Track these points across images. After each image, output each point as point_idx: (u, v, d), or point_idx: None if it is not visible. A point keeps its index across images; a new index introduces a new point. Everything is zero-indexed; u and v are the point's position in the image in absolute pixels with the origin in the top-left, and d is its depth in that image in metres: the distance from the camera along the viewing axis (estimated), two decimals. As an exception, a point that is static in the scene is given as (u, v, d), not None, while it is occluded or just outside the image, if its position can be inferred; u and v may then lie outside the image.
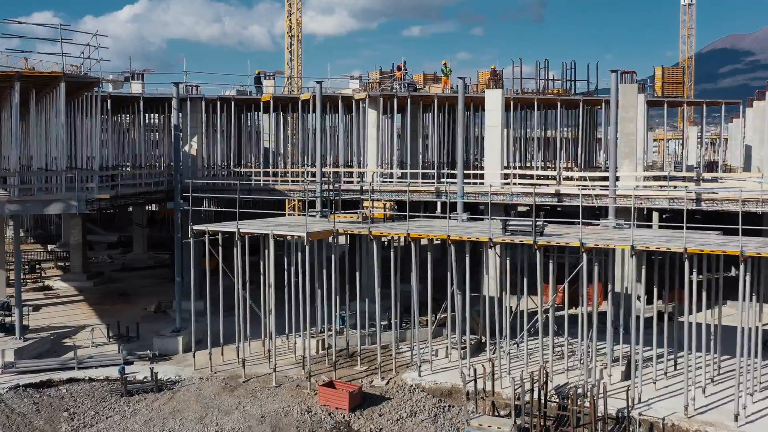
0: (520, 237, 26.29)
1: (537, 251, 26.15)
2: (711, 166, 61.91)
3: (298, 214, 41.71)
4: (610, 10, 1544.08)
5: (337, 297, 30.73)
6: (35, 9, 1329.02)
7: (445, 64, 43.15)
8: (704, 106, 50.89)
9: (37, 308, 41.63)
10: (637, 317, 25.85)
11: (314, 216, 32.67)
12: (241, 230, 29.02)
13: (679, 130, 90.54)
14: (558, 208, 37.64)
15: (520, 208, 38.60)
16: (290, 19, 77.50)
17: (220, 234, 29.68)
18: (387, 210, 31.20)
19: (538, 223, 26.09)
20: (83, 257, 49.78)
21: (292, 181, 41.28)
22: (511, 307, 28.77)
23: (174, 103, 33.50)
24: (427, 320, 30.79)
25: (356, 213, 31.47)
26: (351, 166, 44.79)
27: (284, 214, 42.19)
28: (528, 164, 49.29)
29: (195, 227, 29.85)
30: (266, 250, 29.71)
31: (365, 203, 31.46)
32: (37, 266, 52.23)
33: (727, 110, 53.25)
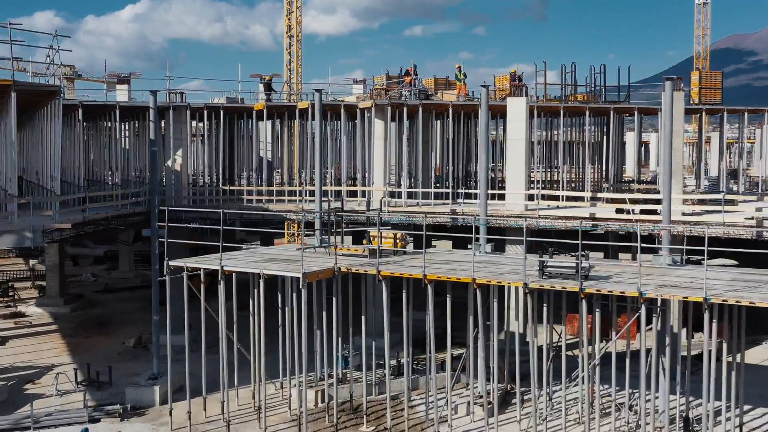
0: (562, 282, 21.71)
1: (582, 299, 21.55)
2: (734, 174, 57.25)
3: (297, 234, 37.09)
4: (612, 10, 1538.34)
5: (339, 336, 26.18)
6: (36, 9, 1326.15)
7: (459, 68, 38.58)
8: (724, 113, 45.03)
9: (3, 341, 37.24)
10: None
11: (313, 247, 28.09)
12: (225, 267, 24.47)
13: (693, 132, 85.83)
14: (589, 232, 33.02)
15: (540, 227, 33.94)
16: (289, 19, 72.59)
17: (201, 270, 25.15)
18: (398, 240, 26.63)
19: (583, 264, 21.49)
20: (60, 279, 45.30)
21: (289, 199, 36.73)
22: (541, 347, 24.16)
23: (151, 114, 28.92)
24: (443, 361, 26.15)
25: (361, 246, 26.89)
26: (354, 181, 40.22)
27: (283, 233, 37.69)
28: (552, 176, 44.62)
29: (172, 263, 25.30)
30: (256, 290, 25.18)
31: (372, 233, 26.85)
32: (10, 289, 47.69)
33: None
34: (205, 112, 36.29)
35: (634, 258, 28.89)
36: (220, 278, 24.45)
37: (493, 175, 43.32)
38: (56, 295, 45.02)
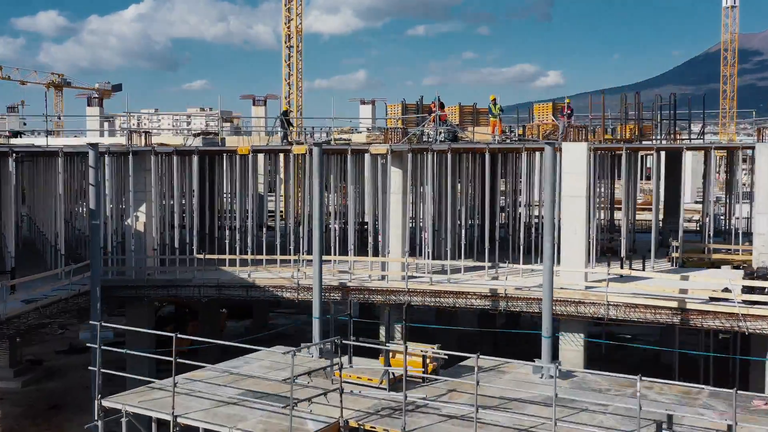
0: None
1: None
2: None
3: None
4: (617, 9, 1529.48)
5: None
6: (40, 8, 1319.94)
7: (494, 101, 30.72)
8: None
9: None
10: None
11: (308, 372, 20.33)
12: (181, 418, 16.72)
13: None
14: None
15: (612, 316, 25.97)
16: (288, 27, 65.03)
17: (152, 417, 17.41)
18: (429, 362, 18.95)
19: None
20: (11, 345, 37.55)
21: (283, 265, 29.01)
22: None
23: (91, 175, 21.24)
24: None
25: (378, 368, 19.05)
26: (364, 233, 32.50)
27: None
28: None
29: (106, 402, 17.60)
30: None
31: (392, 353, 19.08)
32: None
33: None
34: (176, 158, 28.52)
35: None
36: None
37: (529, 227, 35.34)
38: (5, 365, 37.33)
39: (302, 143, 30.55)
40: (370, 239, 28.84)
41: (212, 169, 33.24)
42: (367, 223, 38.93)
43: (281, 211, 38.94)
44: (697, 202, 52.36)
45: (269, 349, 21.83)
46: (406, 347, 17.42)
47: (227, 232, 29.94)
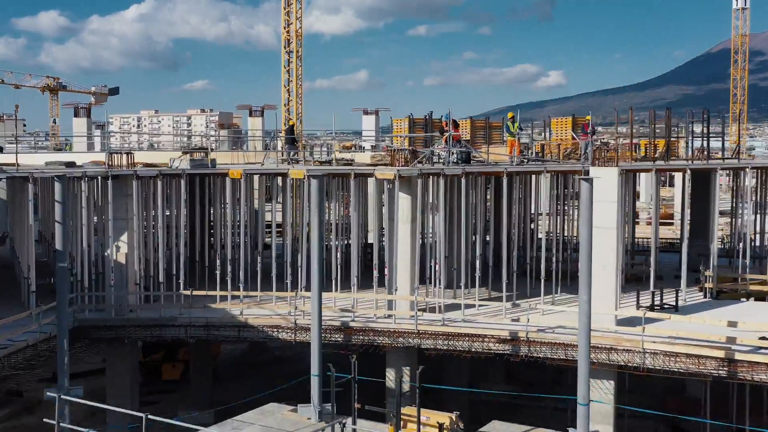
0: None
1: None
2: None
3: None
4: (618, 9, 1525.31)
5: None
6: (42, 8, 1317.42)
7: (512, 118, 27.87)
8: None
9: None
10: None
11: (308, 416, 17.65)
12: None
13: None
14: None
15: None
16: (288, 31, 62.27)
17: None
18: (446, 428, 16.27)
19: None
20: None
21: (279, 303, 26.26)
22: None
23: (57, 211, 18.50)
24: None
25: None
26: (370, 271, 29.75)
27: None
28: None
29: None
30: None
31: (405, 413, 16.39)
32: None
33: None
34: (159, 182, 25.73)
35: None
36: None
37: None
38: (-17, 396, 34.65)
39: (301, 160, 27.82)
40: (375, 270, 26.01)
41: (203, 190, 30.51)
42: (371, 245, 36.27)
43: (278, 230, 36.41)
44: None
45: (263, 408, 19.12)
46: (419, 416, 14.72)
47: (218, 261, 27.13)
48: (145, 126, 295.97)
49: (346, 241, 30.34)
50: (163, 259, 26.16)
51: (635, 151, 32.07)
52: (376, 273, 25.96)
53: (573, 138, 31.98)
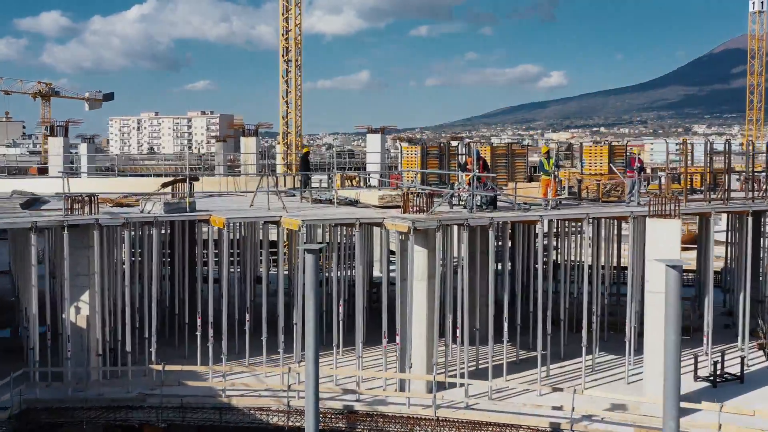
0: None
1: None
2: None
3: None
4: (621, 9, 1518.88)
5: None
6: (43, 8, 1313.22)
7: (547, 153, 23.41)
8: None
9: None
10: None
11: None
12: None
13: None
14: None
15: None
16: (286, 39, 57.91)
17: None
18: None
19: None
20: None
21: (269, 365, 22.02)
22: None
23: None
24: None
25: None
26: (376, 319, 25.45)
27: None
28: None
29: None
30: None
31: None
32: None
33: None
34: (126, 233, 21.44)
35: None
36: None
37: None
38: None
39: (309, 198, 23.54)
40: (383, 341, 21.69)
41: (182, 236, 26.21)
42: (377, 285, 32.07)
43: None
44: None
45: None
46: None
47: (199, 321, 22.83)
48: (145, 128, 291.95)
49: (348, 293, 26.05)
50: (131, 324, 21.92)
51: (682, 182, 27.86)
52: (384, 340, 21.64)
53: (611, 171, 27.76)
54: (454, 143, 31.82)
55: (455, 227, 21.64)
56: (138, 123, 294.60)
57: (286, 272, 27.76)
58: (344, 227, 25.65)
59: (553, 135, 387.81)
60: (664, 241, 19.25)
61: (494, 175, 24.71)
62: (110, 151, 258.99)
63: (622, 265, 31.71)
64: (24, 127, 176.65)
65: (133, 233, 25.07)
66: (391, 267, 27.25)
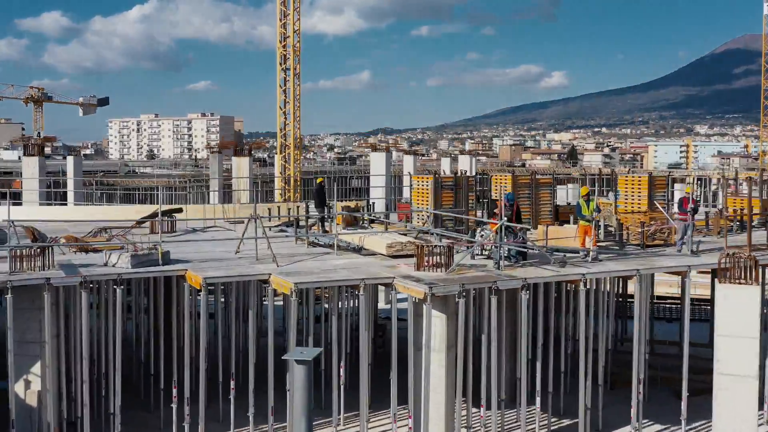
0: None
1: None
2: None
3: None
4: (622, 9, 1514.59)
5: None
6: (44, 9, 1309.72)
7: (587, 195, 19.61)
8: None
9: None
10: None
11: None
12: None
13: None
14: None
15: None
16: (284, 46, 54.35)
17: None
18: None
19: None
20: None
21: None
22: None
23: None
24: None
25: None
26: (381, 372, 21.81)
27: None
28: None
29: None
30: None
31: None
32: None
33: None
34: (82, 293, 17.84)
35: None
36: None
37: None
38: None
39: (326, 237, 19.87)
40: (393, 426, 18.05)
41: (156, 293, 22.54)
42: (382, 330, 28.54)
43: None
44: None
45: None
46: None
47: (174, 391, 19.25)
48: (144, 130, 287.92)
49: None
50: (90, 397, 18.32)
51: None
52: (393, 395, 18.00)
53: (652, 206, 24.15)
54: (470, 174, 28.18)
55: (490, 301, 17.87)
56: (138, 125, 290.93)
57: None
58: (347, 290, 22.02)
59: (555, 135, 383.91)
60: (740, 312, 15.67)
61: (528, 227, 21.03)
62: (110, 154, 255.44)
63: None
64: (23, 129, 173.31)
65: (95, 290, 21.43)
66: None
